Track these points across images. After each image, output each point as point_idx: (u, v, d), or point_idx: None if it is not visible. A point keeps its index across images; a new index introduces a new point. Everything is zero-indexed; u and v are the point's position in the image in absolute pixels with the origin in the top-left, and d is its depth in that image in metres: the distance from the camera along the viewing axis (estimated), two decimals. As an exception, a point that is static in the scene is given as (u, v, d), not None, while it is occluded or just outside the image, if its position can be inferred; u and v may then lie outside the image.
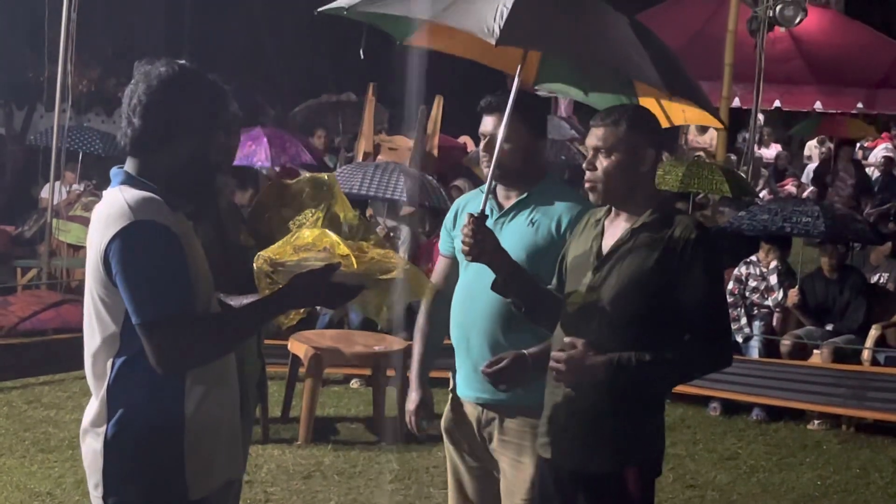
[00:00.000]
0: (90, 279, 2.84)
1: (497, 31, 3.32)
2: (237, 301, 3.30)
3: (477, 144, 15.20)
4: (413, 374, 4.09)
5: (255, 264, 2.95)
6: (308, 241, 2.94)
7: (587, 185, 3.35)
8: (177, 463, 2.83)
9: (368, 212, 10.76)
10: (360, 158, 12.66)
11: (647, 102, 3.81)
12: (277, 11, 23.13)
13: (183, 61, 2.94)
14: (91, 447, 2.86)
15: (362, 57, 3.94)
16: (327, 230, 3.03)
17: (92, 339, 2.86)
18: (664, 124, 4.01)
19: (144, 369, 2.76)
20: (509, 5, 3.35)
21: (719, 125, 4.10)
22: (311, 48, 22.62)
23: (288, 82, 21.96)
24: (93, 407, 2.87)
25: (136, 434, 2.80)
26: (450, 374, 4.05)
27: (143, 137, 2.84)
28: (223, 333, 2.86)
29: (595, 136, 3.32)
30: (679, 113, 3.94)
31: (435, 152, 12.50)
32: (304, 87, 19.77)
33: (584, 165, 3.35)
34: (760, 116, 15.65)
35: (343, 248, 2.89)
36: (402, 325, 9.32)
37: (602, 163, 3.30)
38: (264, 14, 23.50)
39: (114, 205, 2.77)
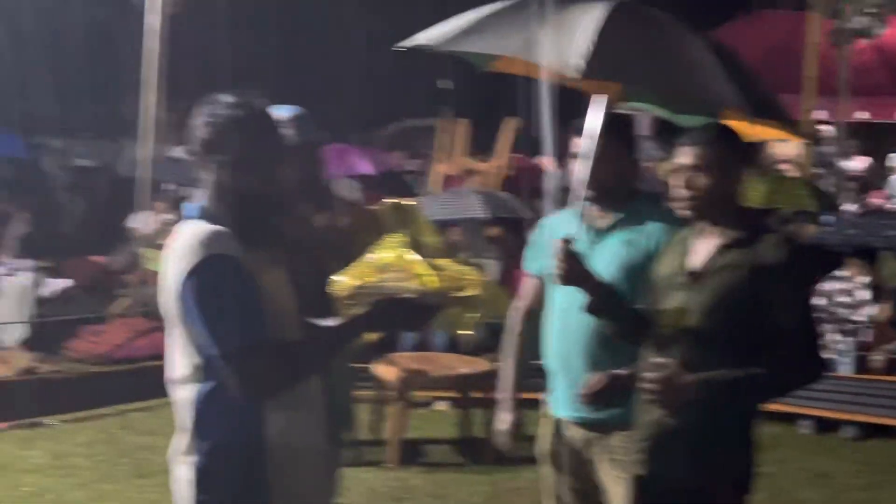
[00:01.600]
0: (170, 316, 2.90)
1: (579, 64, 3.33)
2: (321, 324, 3.34)
3: (560, 165, 15.24)
4: (503, 395, 4.11)
5: (336, 288, 2.99)
6: (388, 261, 2.98)
7: (679, 203, 3.36)
8: (263, 489, 2.88)
9: (451, 238, 10.82)
10: (437, 182, 12.72)
11: (732, 122, 3.81)
12: (360, 38, 23.36)
13: (247, 94, 2.98)
14: (182, 477, 2.93)
15: (449, 87, 3.98)
16: (406, 250, 3.07)
17: (176, 370, 2.92)
18: (749, 141, 4.00)
19: (227, 399, 2.81)
20: (591, 38, 3.37)
21: (802, 141, 4.07)
22: (393, 73, 22.80)
23: (371, 107, 22.15)
24: (181, 437, 2.94)
25: (224, 463, 2.86)
26: (540, 396, 4.07)
27: (214, 177, 2.91)
28: (303, 359, 2.90)
29: (686, 155, 3.33)
30: (761, 129, 3.93)
31: (510, 172, 12.50)
32: (388, 112, 19.95)
33: (676, 184, 3.36)
34: (845, 129, 15.42)
35: (421, 267, 2.92)
36: (485, 343, 9.40)
37: (695, 181, 3.32)
38: (347, 42, 23.76)
39: (186, 240, 2.83)
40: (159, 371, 9.18)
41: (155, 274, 11.26)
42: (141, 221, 11.31)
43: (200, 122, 2.91)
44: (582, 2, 3.61)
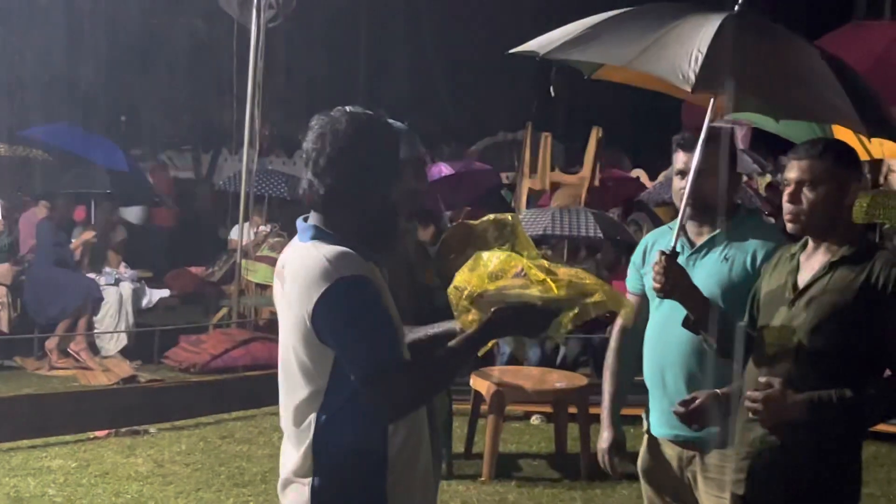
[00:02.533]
0: (290, 336, 2.88)
1: (692, 77, 3.31)
2: (419, 332, 3.32)
3: (652, 178, 15.13)
4: (604, 412, 4.08)
5: (452, 297, 2.97)
6: (498, 266, 2.93)
7: (788, 216, 3.31)
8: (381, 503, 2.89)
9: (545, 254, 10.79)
10: (524, 196, 12.69)
11: (844, 133, 3.74)
12: (453, 49, 23.46)
13: (361, 109, 2.93)
14: (297, 498, 2.91)
15: (553, 95, 3.97)
16: (513, 252, 3.03)
17: (293, 392, 2.91)
18: (863, 157, 3.93)
19: (349, 421, 2.83)
20: (704, 50, 3.34)
21: (913, 157, 3.99)
22: (486, 85, 22.86)
23: (463, 120, 22.23)
24: (293, 457, 2.92)
25: (345, 482, 2.86)
26: (642, 413, 4.04)
27: (336, 194, 2.86)
28: (439, 374, 2.91)
29: (798, 169, 3.28)
30: (877, 146, 3.85)
31: (596, 183, 12.43)
32: (480, 125, 20.00)
33: (785, 198, 3.31)
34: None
35: (538, 273, 2.89)
36: (580, 357, 9.36)
37: (806, 195, 3.26)
38: (440, 52, 23.87)
39: (312, 262, 2.80)
40: (257, 381, 9.35)
41: (254, 285, 11.50)
42: (240, 233, 11.46)
43: (321, 136, 2.86)
44: (695, 14, 3.58)
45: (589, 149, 12.37)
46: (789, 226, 3.33)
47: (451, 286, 2.95)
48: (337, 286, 2.75)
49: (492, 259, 2.94)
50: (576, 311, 2.90)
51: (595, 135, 12.31)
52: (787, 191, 3.31)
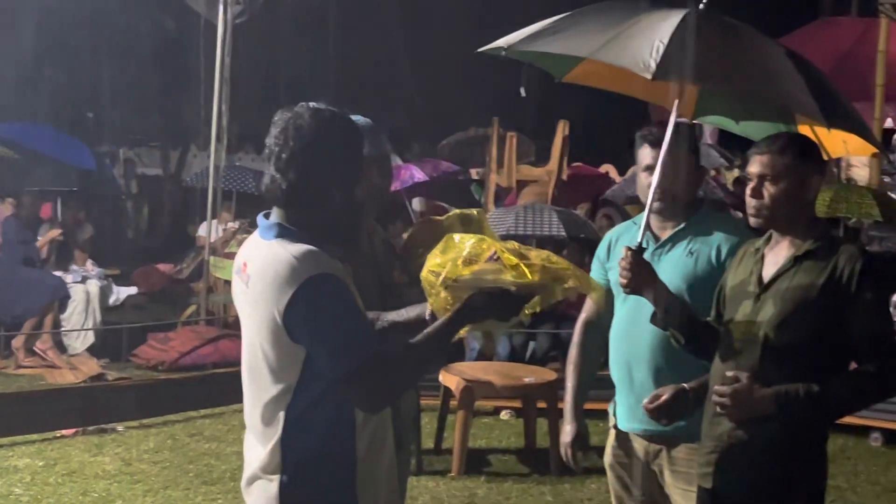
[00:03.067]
0: (257, 335, 2.87)
1: (653, 66, 3.35)
2: (390, 318, 3.29)
3: (621, 174, 15.15)
4: (567, 406, 4.09)
5: (425, 283, 2.96)
6: (471, 250, 2.92)
7: (751, 211, 3.33)
8: (351, 501, 2.88)
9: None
10: (492, 191, 12.69)
11: (805, 131, 3.77)
12: (422, 47, 23.45)
13: (325, 105, 2.91)
14: (264, 494, 2.90)
15: (523, 94, 3.99)
16: (484, 235, 3.03)
17: (261, 390, 2.89)
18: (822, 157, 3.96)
19: (319, 418, 2.82)
20: (665, 40, 3.39)
21: (878, 151, 4.03)
22: (456, 82, 22.85)
23: (434, 116, 22.21)
24: (260, 454, 2.90)
25: (314, 479, 2.85)
26: (607, 407, 4.05)
27: (298, 190, 2.84)
28: (416, 362, 2.91)
29: (760, 164, 3.30)
30: (840, 144, 3.88)
31: (564, 177, 12.44)
32: (451, 122, 19.98)
33: (748, 193, 3.33)
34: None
35: (511, 258, 2.88)
36: (550, 352, 9.37)
37: (768, 190, 3.28)
38: (409, 50, 23.86)
39: (279, 262, 2.78)
40: (226, 378, 9.30)
41: (222, 282, 11.45)
42: (208, 230, 11.41)
43: (283, 132, 2.84)
44: (658, 10, 3.64)
45: (555, 143, 12.37)
46: (752, 220, 3.35)
47: (425, 271, 2.94)
48: (307, 285, 2.73)
49: (464, 242, 2.93)
50: (553, 295, 2.91)
51: (561, 129, 12.31)
52: (750, 186, 3.33)
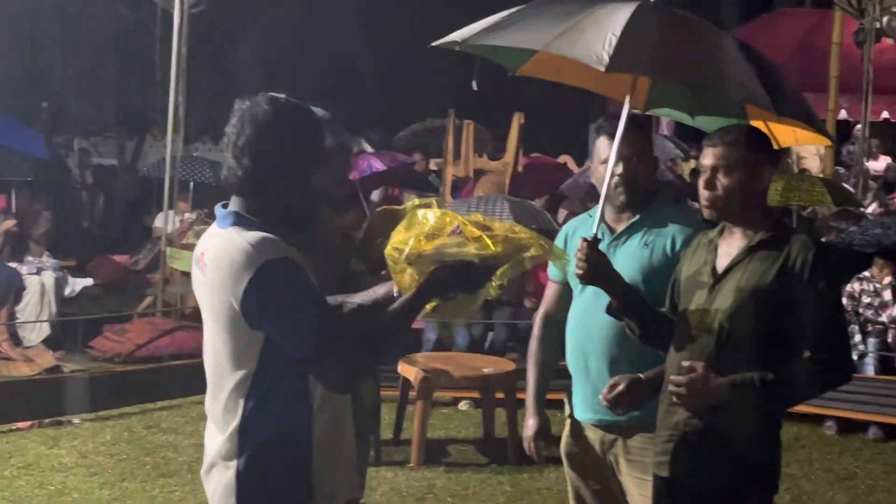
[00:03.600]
0: (216, 323, 2.88)
1: (606, 58, 3.36)
2: (357, 299, 3.28)
3: (579, 165, 15.22)
4: (529, 400, 4.10)
5: (389, 259, 2.96)
6: (434, 225, 2.92)
7: (704, 203, 3.36)
8: (308, 488, 2.89)
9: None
10: (449, 182, 12.70)
11: (758, 125, 3.81)
12: (380, 38, 23.40)
13: (284, 95, 2.94)
14: (221, 480, 2.90)
15: (476, 88, 4.00)
16: (448, 211, 3.02)
17: (221, 378, 2.90)
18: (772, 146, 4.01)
19: (276, 404, 2.83)
20: (618, 33, 3.40)
21: (829, 143, 4.08)
22: (414, 73, 22.83)
23: (391, 108, 22.17)
24: (217, 441, 2.91)
25: (270, 465, 2.86)
26: (563, 397, 4.07)
27: (255, 177, 2.85)
28: (381, 338, 2.92)
29: (713, 156, 3.33)
30: (790, 134, 3.92)
31: (520, 169, 12.47)
32: (408, 113, 19.96)
33: (700, 184, 3.36)
34: (868, 128, 15.34)
35: (474, 230, 2.89)
36: (508, 343, 9.40)
37: (721, 181, 3.31)
38: (367, 41, 23.79)
39: (235, 249, 2.79)
40: (182, 370, 9.26)
41: (179, 273, 11.38)
42: (164, 221, 11.34)
43: (241, 119, 2.86)
44: (610, 2, 3.65)
45: (511, 135, 12.40)
46: (706, 212, 3.38)
47: (389, 248, 2.94)
48: (264, 270, 2.74)
49: (427, 217, 2.93)
50: (519, 266, 2.92)
51: (517, 121, 12.34)
52: (703, 178, 3.36)
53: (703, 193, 3.35)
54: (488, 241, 2.85)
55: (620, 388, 3.48)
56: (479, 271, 2.90)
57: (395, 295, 3.03)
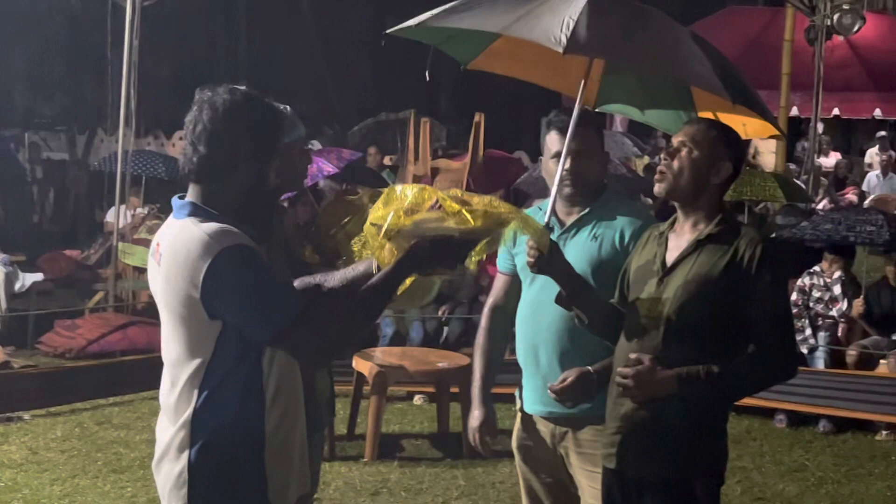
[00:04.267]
0: (171, 314, 2.88)
1: (564, 39, 3.40)
2: (335, 278, 3.26)
3: (533, 160, 15.26)
4: (475, 391, 4.07)
5: (368, 235, 2.95)
6: (412, 200, 2.91)
7: (658, 177, 3.39)
8: (260, 480, 2.89)
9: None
10: (409, 181, 12.69)
11: (706, 115, 3.85)
12: (334, 32, 23.32)
13: (244, 87, 2.96)
14: (172, 471, 2.89)
15: (428, 79, 4.01)
16: (427, 186, 3.01)
17: (177, 370, 2.89)
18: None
19: (228, 395, 2.84)
20: (575, 16, 3.45)
21: (779, 134, 4.12)
22: (368, 68, 22.79)
23: (346, 102, 22.13)
24: (169, 432, 2.90)
25: (222, 455, 2.85)
26: (515, 392, 4.07)
27: (210, 164, 2.87)
28: (359, 312, 2.91)
29: (685, 133, 3.39)
30: (740, 127, 3.96)
31: (480, 167, 12.48)
32: (362, 107, 19.94)
33: (662, 156, 3.40)
34: (819, 125, 15.50)
35: (453, 205, 2.88)
36: (463, 337, 9.41)
37: (681, 157, 3.35)
38: (321, 36, 23.72)
39: (191, 239, 2.79)
40: (134, 365, 9.14)
41: (131, 268, 11.27)
42: (116, 215, 11.23)
43: (199, 108, 2.87)
44: None
45: (472, 136, 12.42)
46: (657, 185, 3.40)
47: (367, 223, 2.94)
48: (221, 257, 2.75)
49: (405, 192, 2.92)
50: (497, 240, 2.93)
51: (476, 120, 12.37)
52: (667, 151, 3.39)
53: (662, 165, 3.40)
54: (468, 216, 2.85)
55: (569, 380, 3.51)
56: (459, 246, 2.90)
57: (374, 271, 3.01)
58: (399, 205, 2.89)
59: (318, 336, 2.83)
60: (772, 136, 4.10)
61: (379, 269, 2.97)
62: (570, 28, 3.41)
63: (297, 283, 3.08)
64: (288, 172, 3.85)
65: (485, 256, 3.01)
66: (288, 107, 3.94)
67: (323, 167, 12.86)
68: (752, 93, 3.89)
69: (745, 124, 3.98)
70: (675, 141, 3.40)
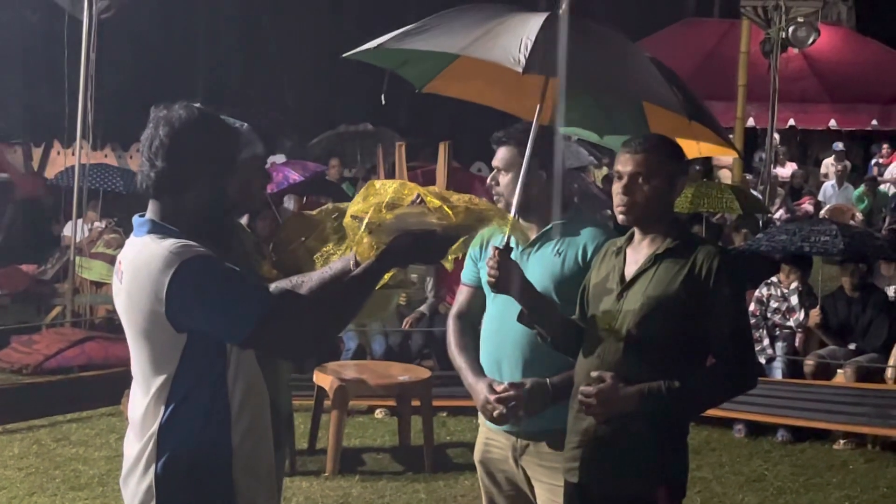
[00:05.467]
0: (135, 331, 2.89)
1: (522, 59, 3.46)
2: (313, 278, 3.23)
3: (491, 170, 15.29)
4: (466, 373, 3.87)
5: (349, 228, 2.94)
6: (393, 195, 2.91)
7: (621, 209, 3.40)
8: (228, 494, 2.89)
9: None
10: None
11: (645, 133, 3.90)
12: (293, 45, 23.28)
13: (198, 104, 2.98)
14: (140, 486, 2.89)
15: (384, 102, 4.05)
16: (406, 181, 3.02)
17: (144, 385, 2.91)
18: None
19: (193, 408, 2.85)
20: (532, 37, 3.50)
21: (734, 154, 4.18)
22: (328, 81, 22.76)
23: (305, 115, 22.08)
24: (136, 447, 2.91)
25: (189, 469, 2.85)
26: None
27: (167, 180, 2.89)
28: (338, 305, 2.91)
29: (633, 163, 3.37)
30: (693, 146, 4.00)
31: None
32: (322, 119, 19.91)
33: (617, 190, 3.39)
34: (776, 136, 15.66)
35: (434, 200, 2.88)
36: (423, 350, 9.40)
37: (641, 188, 3.35)
38: (280, 48, 23.67)
39: (152, 255, 2.81)
40: (92, 381, 9.03)
41: (88, 283, 11.17)
42: (73, 229, 11.14)
43: (155, 124, 2.89)
44: (522, 11, 3.79)
45: (439, 165, 12.42)
46: (621, 218, 3.42)
47: (347, 217, 2.94)
48: (183, 268, 2.77)
49: (386, 188, 2.92)
50: (466, 238, 2.93)
51: (443, 151, 12.40)
52: (621, 183, 3.40)
53: (621, 199, 3.39)
54: (449, 212, 2.85)
55: (513, 392, 3.57)
56: (440, 241, 2.91)
57: (351, 267, 3.00)
58: (379, 199, 2.90)
59: (293, 331, 2.83)
60: (728, 155, 4.17)
61: (358, 263, 2.96)
62: (528, 48, 3.47)
63: (273, 286, 3.08)
64: (245, 190, 3.84)
65: (460, 256, 3.02)
66: (245, 124, 3.94)
67: (289, 175, 12.85)
68: (707, 112, 3.94)
69: (699, 144, 4.04)
70: (624, 171, 3.38)
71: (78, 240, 11.29)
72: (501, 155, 3.88)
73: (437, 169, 12.29)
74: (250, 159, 3.83)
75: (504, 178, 3.86)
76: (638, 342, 3.31)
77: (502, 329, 3.81)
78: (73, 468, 7.18)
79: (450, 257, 2.97)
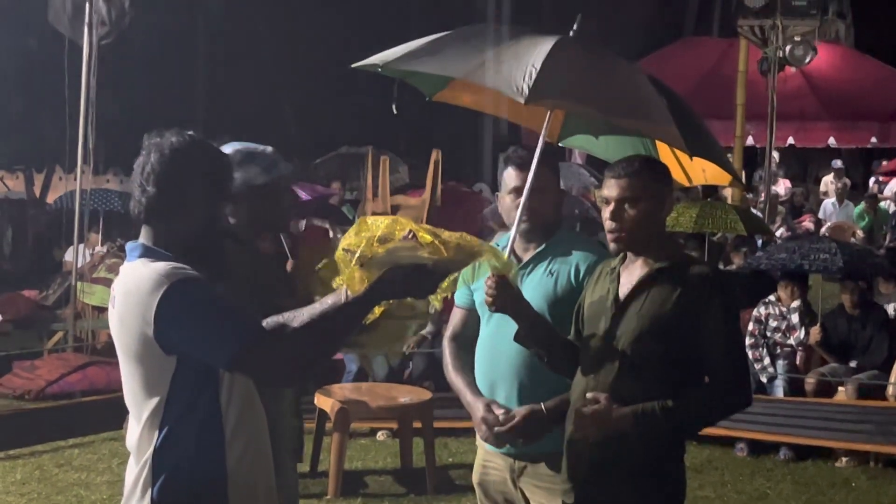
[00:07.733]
0: (127, 355, 2.92)
1: (526, 90, 3.43)
2: (304, 312, 3.25)
3: (494, 191, 15.31)
4: (464, 392, 3.89)
5: (340, 261, 2.96)
6: (385, 229, 2.93)
7: (611, 235, 3.40)
8: None
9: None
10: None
11: (665, 152, 3.89)
12: (294, 68, 23.36)
13: (191, 132, 3.02)
14: None
15: (395, 112, 4.04)
16: (399, 217, 3.03)
17: (138, 410, 2.92)
18: (685, 183, 4.10)
19: (186, 432, 2.86)
20: (538, 65, 3.46)
21: (739, 185, 4.19)
22: (329, 103, 22.82)
23: (306, 137, 22.13)
24: (133, 471, 2.93)
25: (185, 491, 2.86)
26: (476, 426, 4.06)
27: (158, 205, 2.93)
28: (324, 334, 2.91)
29: (618, 188, 3.38)
30: (699, 172, 4.00)
31: (438, 204, 12.53)
32: (323, 141, 19.95)
33: (606, 216, 3.40)
34: (775, 154, 15.69)
35: (426, 236, 2.90)
36: (425, 372, 9.39)
37: (628, 213, 3.36)
38: (281, 71, 23.74)
39: (141, 278, 2.84)
40: (95, 406, 9.06)
41: (90, 308, 11.19)
42: (74, 254, 11.16)
43: (148, 151, 2.94)
44: (531, 34, 3.73)
45: (429, 173, 12.46)
46: (613, 246, 3.43)
47: (339, 249, 2.95)
48: (170, 290, 2.79)
49: (378, 223, 2.94)
50: (458, 275, 2.95)
51: (434, 158, 12.42)
52: (608, 209, 3.40)
53: (610, 224, 3.40)
54: (441, 247, 2.87)
55: (516, 420, 3.58)
56: (431, 275, 2.92)
57: (342, 300, 3.00)
58: (372, 233, 2.92)
59: (277, 357, 2.85)
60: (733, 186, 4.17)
61: (349, 297, 2.97)
62: (533, 77, 3.43)
63: (265, 322, 3.09)
64: (274, 210, 3.91)
65: (450, 295, 3.04)
66: (269, 147, 4.00)
67: (300, 194, 12.93)
68: (709, 139, 3.93)
69: (704, 169, 4.04)
70: (611, 196, 3.39)
71: (80, 265, 11.31)
72: (514, 175, 3.87)
73: (427, 176, 12.33)
74: (277, 180, 3.90)
75: (515, 200, 3.84)
76: (633, 362, 3.32)
77: (496, 351, 3.82)
78: (75, 493, 7.18)
79: (439, 295, 2.98)
